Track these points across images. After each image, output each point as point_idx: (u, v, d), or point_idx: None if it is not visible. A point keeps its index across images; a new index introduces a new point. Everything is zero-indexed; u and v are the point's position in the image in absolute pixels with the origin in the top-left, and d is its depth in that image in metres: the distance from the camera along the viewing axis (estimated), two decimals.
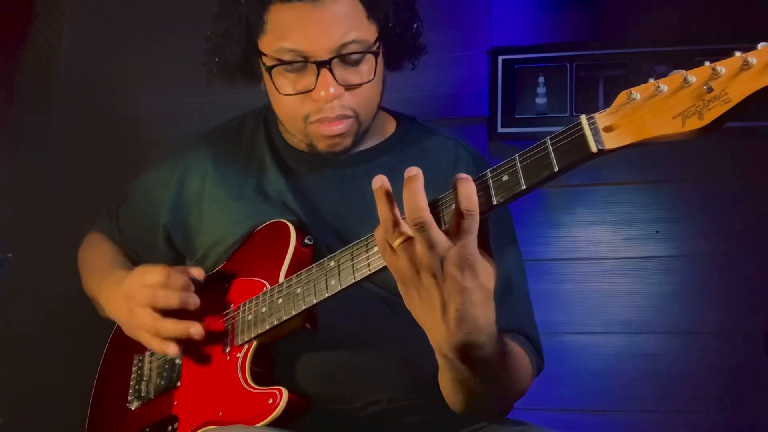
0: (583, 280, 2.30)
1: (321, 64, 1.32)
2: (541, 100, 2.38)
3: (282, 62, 1.35)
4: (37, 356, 2.37)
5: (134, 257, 1.68)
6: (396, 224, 1.04)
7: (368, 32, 1.35)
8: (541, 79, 2.38)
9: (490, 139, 2.40)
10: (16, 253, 2.48)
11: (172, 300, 1.38)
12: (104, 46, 2.69)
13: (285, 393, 1.29)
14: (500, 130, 2.39)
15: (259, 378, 1.36)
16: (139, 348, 1.55)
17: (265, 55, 1.38)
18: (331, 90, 1.34)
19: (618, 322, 2.29)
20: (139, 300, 1.40)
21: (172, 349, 1.38)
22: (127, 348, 1.59)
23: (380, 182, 1.05)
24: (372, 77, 1.37)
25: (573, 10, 2.39)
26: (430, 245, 1.01)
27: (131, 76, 2.65)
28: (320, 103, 1.37)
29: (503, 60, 2.41)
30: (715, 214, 2.26)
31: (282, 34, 1.33)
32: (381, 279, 1.45)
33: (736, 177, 2.23)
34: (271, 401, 1.30)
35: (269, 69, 1.37)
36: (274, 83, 1.39)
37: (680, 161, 2.29)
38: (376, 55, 1.36)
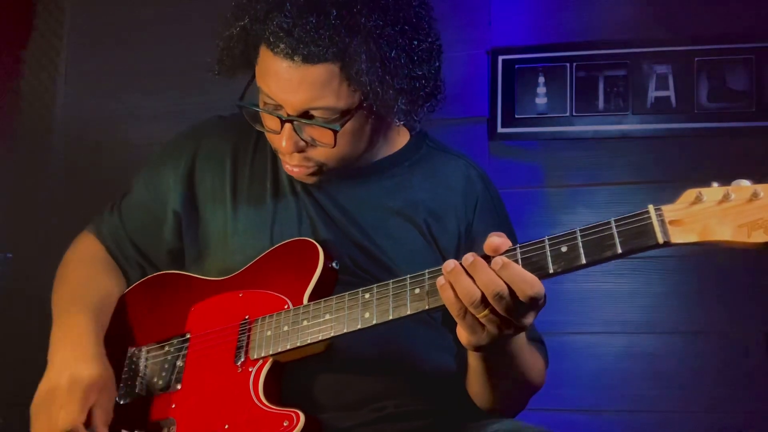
0: (583, 280, 2.29)
1: (285, 120, 1.37)
2: (541, 100, 2.38)
3: (259, 108, 1.42)
4: (37, 356, 2.37)
5: (129, 255, 1.64)
6: (483, 301, 1.12)
7: (342, 101, 1.35)
8: (541, 79, 2.38)
9: (490, 139, 2.40)
10: (16, 253, 2.48)
11: None
12: (104, 46, 2.69)
13: (302, 417, 1.28)
14: (500, 130, 2.40)
15: (270, 395, 1.34)
16: (133, 340, 1.54)
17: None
18: (286, 143, 1.38)
19: (618, 322, 2.29)
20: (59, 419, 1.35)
21: None
22: (119, 338, 1.55)
23: (453, 264, 1.15)
24: (332, 146, 1.38)
25: (573, 10, 2.39)
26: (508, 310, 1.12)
27: (131, 76, 2.65)
28: (281, 149, 1.42)
29: (503, 60, 2.41)
30: None
31: (263, 77, 1.38)
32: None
33: (736, 177, 2.22)
34: (286, 423, 1.28)
35: (240, 105, 1.44)
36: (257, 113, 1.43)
37: (680, 161, 2.29)
38: (335, 131, 1.36)
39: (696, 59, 2.27)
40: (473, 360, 1.33)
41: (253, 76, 1.43)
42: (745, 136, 2.23)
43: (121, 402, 1.48)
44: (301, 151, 1.41)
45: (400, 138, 1.58)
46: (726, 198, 1.04)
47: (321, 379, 1.38)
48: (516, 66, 2.40)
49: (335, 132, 1.36)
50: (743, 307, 2.19)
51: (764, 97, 2.22)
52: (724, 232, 1.02)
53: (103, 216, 1.67)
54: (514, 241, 1.55)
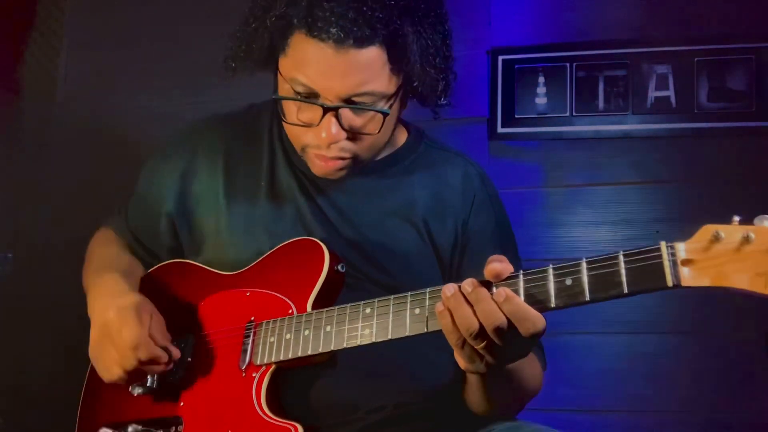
0: None
1: (328, 109, 1.32)
2: (541, 100, 2.38)
3: (293, 98, 1.35)
4: (37, 356, 2.37)
5: (139, 251, 1.67)
6: (481, 333, 1.09)
7: (387, 85, 1.34)
8: (541, 79, 2.38)
9: (490, 139, 2.40)
10: (16, 253, 2.48)
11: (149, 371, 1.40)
12: (104, 46, 2.69)
13: (300, 431, 1.29)
14: (500, 130, 2.40)
15: (271, 403, 1.35)
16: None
17: (281, 74, 1.37)
18: (333, 132, 1.33)
19: (618, 322, 2.28)
20: (116, 355, 1.37)
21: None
22: None
23: (453, 290, 1.12)
24: (377, 132, 1.36)
25: (573, 10, 2.39)
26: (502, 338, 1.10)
27: (131, 76, 2.65)
28: (320, 141, 1.36)
29: (503, 60, 2.41)
30: (715, 214, 2.25)
31: (299, 66, 1.33)
32: (390, 285, 1.45)
33: (736, 177, 2.23)
34: None
35: (278, 98, 1.39)
36: (282, 108, 1.39)
37: (680, 161, 2.29)
38: (385, 114, 1.35)
39: (696, 59, 2.27)
40: (470, 377, 1.32)
41: (277, 69, 1.40)
42: (745, 136, 2.24)
43: (134, 393, 1.47)
44: (342, 141, 1.37)
45: (400, 136, 1.58)
46: (746, 240, 0.96)
47: (321, 383, 1.39)
48: (516, 66, 2.40)
49: (385, 116, 1.34)
50: (743, 307, 2.19)
51: (764, 97, 2.22)
52: (741, 280, 0.96)
53: (114, 215, 1.73)
54: (512, 241, 1.57)
